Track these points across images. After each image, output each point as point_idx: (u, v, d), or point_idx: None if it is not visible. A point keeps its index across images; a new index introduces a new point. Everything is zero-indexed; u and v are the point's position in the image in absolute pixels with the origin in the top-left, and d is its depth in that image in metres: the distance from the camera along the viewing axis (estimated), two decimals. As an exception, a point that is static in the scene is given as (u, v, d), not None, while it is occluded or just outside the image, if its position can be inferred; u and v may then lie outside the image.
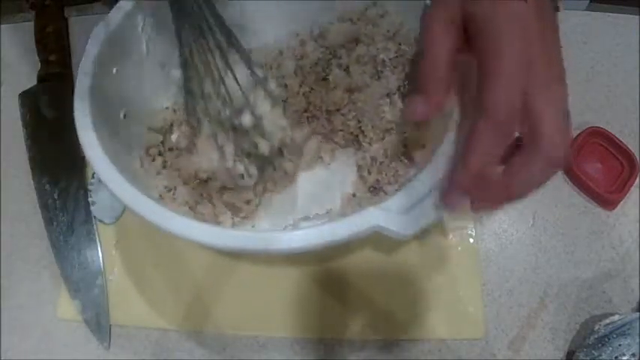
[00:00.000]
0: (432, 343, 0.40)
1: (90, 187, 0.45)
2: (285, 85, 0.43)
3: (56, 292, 0.42)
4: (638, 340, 0.36)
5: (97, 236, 0.43)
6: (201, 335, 0.40)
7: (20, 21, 0.54)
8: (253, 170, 0.39)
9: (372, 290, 0.41)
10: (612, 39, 0.51)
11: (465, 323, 0.40)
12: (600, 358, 0.36)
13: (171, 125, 0.42)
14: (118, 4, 0.37)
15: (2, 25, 0.53)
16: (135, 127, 0.40)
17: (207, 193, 0.41)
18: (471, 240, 0.43)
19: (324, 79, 0.43)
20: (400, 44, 0.41)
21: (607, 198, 0.44)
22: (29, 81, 0.49)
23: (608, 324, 0.38)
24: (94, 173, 0.45)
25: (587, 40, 0.51)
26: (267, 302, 0.41)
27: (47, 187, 0.45)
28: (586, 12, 0.53)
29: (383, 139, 0.42)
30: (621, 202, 0.44)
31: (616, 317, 0.38)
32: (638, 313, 0.38)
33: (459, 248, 0.42)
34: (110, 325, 0.41)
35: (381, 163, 0.41)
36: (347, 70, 0.43)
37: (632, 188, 0.44)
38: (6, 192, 0.46)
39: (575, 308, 0.41)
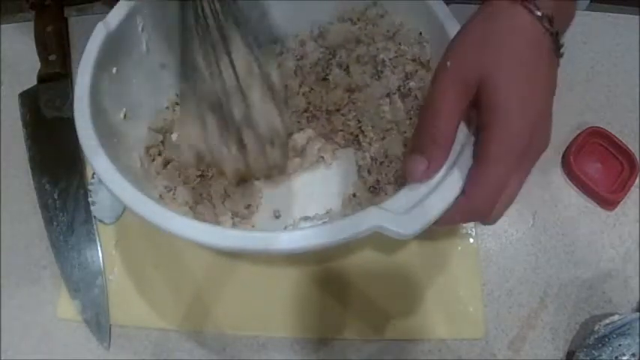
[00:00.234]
0: (432, 343, 0.40)
1: (90, 187, 0.45)
2: (286, 86, 0.43)
3: (56, 292, 0.42)
4: (638, 340, 0.36)
5: (97, 236, 0.43)
6: (201, 335, 0.40)
7: (20, 21, 0.54)
8: (240, 151, 0.38)
9: (372, 290, 0.41)
10: (612, 39, 0.51)
11: (465, 323, 0.40)
12: (600, 358, 0.36)
13: (172, 125, 0.42)
14: (118, 4, 0.37)
15: (2, 25, 0.53)
16: (135, 127, 0.40)
17: (207, 193, 0.41)
18: (471, 240, 0.43)
19: (324, 79, 0.43)
20: (400, 44, 0.41)
21: (607, 198, 0.44)
22: (29, 81, 0.49)
23: (608, 324, 0.38)
24: (94, 173, 0.45)
25: (587, 40, 0.51)
26: (267, 302, 0.41)
27: (47, 187, 0.45)
28: (586, 12, 0.53)
29: (383, 139, 0.42)
30: (621, 202, 0.44)
31: (616, 317, 0.38)
32: (638, 313, 0.38)
33: (459, 248, 0.42)
34: (110, 325, 0.41)
35: (381, 163, 0.41)
36: (347, 70, 0.43)
37: (632, 188, 0.44)
38: (6, 192, 0.46)
39: (575, 308, 0.41)
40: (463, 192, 0.30)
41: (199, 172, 0.41)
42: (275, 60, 0.43)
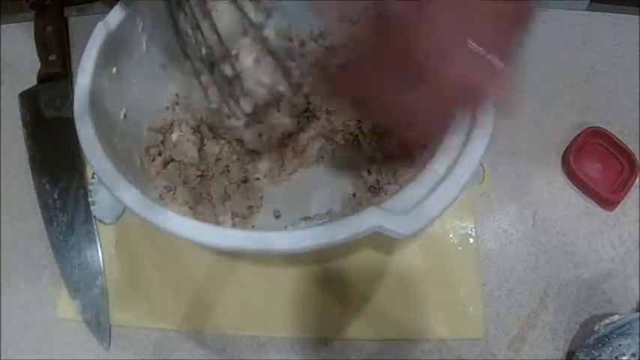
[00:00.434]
0: (432, 343, 0.40)
1: (90, 187, 0.45)
2: (290, 38, 0.42)
3: (56, 292, 0.42)
4: (638, 340, 0.36)
5: (97, 236, 0.43)
6: (201, 335, 0.40)
7: (20, 21, 0.54)
8: (241, 113, 0.38)
9: (372, 290, 0.41)
10: (612, 39, 0.51)
11: (465, 323, 0.40)
12: (600, 358, 0.36)
13: (171, 125, 0.42)
14: (118, 4, 0.37)
15: (2, 25, 0.53)
16: (135, 127, 0.40)
17: (207, 193, 0.41)
18: (471, 240, 0.43)
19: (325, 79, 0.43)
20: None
21: (607, 198, 0.44)
22: (29, 81, 0.49)
23: (608, 324, 0.38)
24: (94, 173, 0.45)
25: (587, 40, 0.51)
26: (267, 302, 0.41)
27: (47, 187, 0.45)
28: (586, 12, 0.53)
29: (383, 139, 0.42)
30: (621, 202, 0.44)
31: (616, 317, 0.38)
32: (638, 313, 0.38)
33: (459, 248, 0.42)
34: (110, 325, 0.41)
35: (381, 163, 0.41)
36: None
37: (632, 188, 0.44)
38: (6, 192, 0.46)
39: (575, 308, 0.41)
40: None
41: (199, 172, 0.41)
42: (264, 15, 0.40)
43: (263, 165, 0.44)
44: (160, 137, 0.42)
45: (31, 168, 0.46)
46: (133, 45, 0.39)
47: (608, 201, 0.44)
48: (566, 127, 0.47)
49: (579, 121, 0.47)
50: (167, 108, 0.43)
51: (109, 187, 0.31)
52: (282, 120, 0.40)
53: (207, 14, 0.34)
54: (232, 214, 0.41)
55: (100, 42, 0.35)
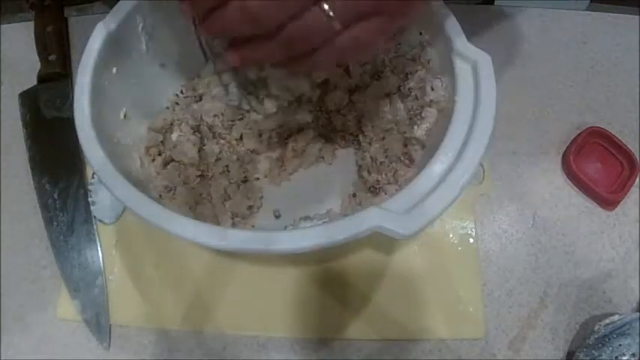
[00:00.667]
0: (432, 343, 0.40)
1: (90, 187, 0.45)
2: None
3: (56, 292, 0.42)
4: (638, 340, 0.36)
5: (97, 236, 0.43)
6: (201, 335, 0.40)
7: (20, 21, 0.54)
8: (263, 111, 0.39)
9: (372, 290, 0.41)
10: (612, 39, 0.51)
11: (465, 323, 0.40)
12: (600, 358, 0.36)
13: (171, 125, 0.42)
14: (118, 4, 0.37)
15: (2, 25, 0.53)
16: (135, 127, 0.40)
17: (207, 193, 0.41)
18: (471, 240, 0.43)
19: (325, 79, 0.43)
20: (400, 44, 0.41)
21: (607, 198, 0.44)
22: (29, 81, 0.49)
23: (608, 324, 0.38)
24: (94, 173, 0.45)
25: (587, 40, 0.51)
26: (267, 302, 0.41)
27: (47, 187, 0.45)
28: (586, 12, 0.53)
29: (383, 139, 0.42)
30: (621, 202, 0.44)
31: (616, 317, 0.38)
32: (638, 313, 0.38)
33: (459, 248, 0.42)
34: (110, 325, 0.41)
35: (381, 163, 0.41)
36: (347, 70, 0.43)
37: (632, 188, 0.44)
38: (6, 192, 0.46)
39: (575, 308, 0.41)
40: None
41: (199, 172, 0.41)
42: None
43: (263, 165, 0.44)
44: (160, 137, 0.42)
45: (31, 168, 0.46)
46: (133, 45, 0.39)
47: (608, 201, 0.44)
48: (566, 127, 0.47)
49: (579, 121, 0.47)
50: (167, 108, 0.43)
51: (109, 187, 0.31)
52: (302, 115, 0.41)
53: None
54: (232, 214, 0.41)
55: (100, 42, 0.36)
